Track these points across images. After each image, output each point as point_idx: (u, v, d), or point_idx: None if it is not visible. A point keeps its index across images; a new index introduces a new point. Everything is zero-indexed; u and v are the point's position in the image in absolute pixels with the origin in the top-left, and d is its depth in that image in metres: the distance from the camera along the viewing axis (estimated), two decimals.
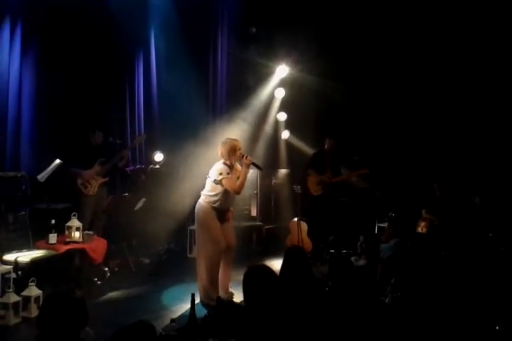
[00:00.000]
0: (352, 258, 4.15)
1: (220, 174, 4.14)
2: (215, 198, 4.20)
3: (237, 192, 4.15)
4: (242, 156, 4.16)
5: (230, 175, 4.14)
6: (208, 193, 4.24)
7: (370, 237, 4.81)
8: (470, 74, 6.04)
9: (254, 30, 6.67)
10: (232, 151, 4.16)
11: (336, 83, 6.63)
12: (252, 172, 6.62)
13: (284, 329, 2.52)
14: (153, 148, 6.21)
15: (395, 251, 4.45)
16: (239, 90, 6.87)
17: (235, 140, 4.25)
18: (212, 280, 4.23)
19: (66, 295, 2.29)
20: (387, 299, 3.47)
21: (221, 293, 4.26)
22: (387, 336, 2.85)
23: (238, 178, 4.20)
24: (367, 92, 6.61)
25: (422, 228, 4.73)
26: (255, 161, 4.28)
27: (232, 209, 4.44)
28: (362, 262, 4.28)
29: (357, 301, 2.93)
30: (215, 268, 4.23)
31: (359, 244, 5.03)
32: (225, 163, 4.21)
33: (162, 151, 6.17)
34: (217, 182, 4.17)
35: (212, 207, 4.21)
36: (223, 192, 4.18)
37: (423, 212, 5.51)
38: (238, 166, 4.29)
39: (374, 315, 2.95)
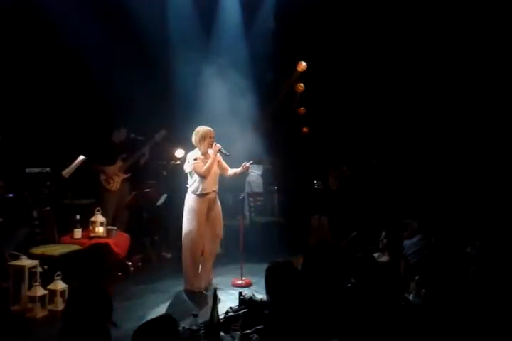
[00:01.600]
0: (375, 255, 4.09)
1: (188, 162, 4.43)
2: (194, 185, 4.42)
3: (203, 175, 4.35)
4: (212, 143, 4.43)
5: (197, 160, 4.39)
6: (189, 183, 4.48)
7: (393, 233, 4.74)
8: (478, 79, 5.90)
9: (274, 24, 6.61)
10: (202, 139, 4.43)
11: (357, 77, 6.55)
12: (272, 168, 6.64)
13: (306, 325, 2.51)
14: (174, 144, 6.25)
15: (418, 248, 4.38)
16: (259, 85, 6.84)
17: (207, 128, 4.48)
18: (195, 269, 4.42)
19: (92, 288, 2.32)
20: (411, 296, 3.42)
21: (202, 283, 4.44)
22: (411, 333, 2.81)
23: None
24: (388, 86, 6.50)
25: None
26: (223, 149, 4.47)
27: (215, 193, 4.54)
28: (385, 258, 4.22)
29: (380, 298, 2.90)
30: (197, 256, 4.42)
31: (380, 239, 4.97)
32: (195, 152, 4.47)
33: (183, 147, 6.20)
34: (189, 170, 4.43)
35: (196, 195, 4.42)
36: (197, 178, 4.41)
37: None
38: (211, 154, 4.47)
39: (397, 312, 2.91)
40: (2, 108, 5.32)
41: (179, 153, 6.14)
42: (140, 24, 6.03)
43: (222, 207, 4.69)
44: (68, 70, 5.84)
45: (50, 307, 3.96)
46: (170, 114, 6.50)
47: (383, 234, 5.19)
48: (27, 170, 4.96)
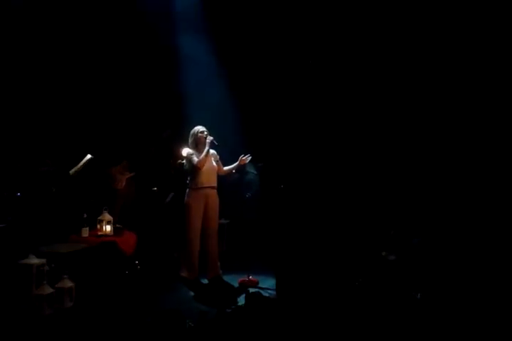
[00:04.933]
0: (383, 253, 4.06)
1: (186, 157, 4.76)
2: (192, 180, 4.71)
3: (198, 165, 4.62)
4: (205, 137, 4.70)
5: (193, 154, 4.71)
6: (188, 180, 4.76)
7: (401, 231, 4.71)
8: None
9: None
10: (192, 137, 4.77)
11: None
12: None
13: (314, 322, 2.50)
14: (181, 143, 6.24)
15: (427, 246, 4.35)
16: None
17: (195, 127, 4.79)
18: (187, 257, 4.77)
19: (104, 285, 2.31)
20: (419, 294, 3.39)
21: (210, 274, 4.75)
22: (417, 331, 2.79)
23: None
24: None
25: None
26: (215, 140, 4.72)
27: (213, 189, 4.77)
28: (393, 257, 4.19)
29: (388, 296, 2.88)
30: (190, 247, 4.74)
31: (388, 238, 4.96)
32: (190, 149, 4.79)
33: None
34: (186, 166, 4.75)
35: (193, 189, 4.70)
36: (195, 173, 4.67)
37: None
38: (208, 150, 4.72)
39: (405, 310, 2.89)
40: (12, 107, 5.36)
41: (186, 151, 6.14)
42: (152, 28, 6.06)
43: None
44: (73, 71, 5.87)
45: (57, 305, 3.97)
46: (177, 114, 6.51)
47: (391, 232, 5.17)
48: (36, 169, 4.97)
